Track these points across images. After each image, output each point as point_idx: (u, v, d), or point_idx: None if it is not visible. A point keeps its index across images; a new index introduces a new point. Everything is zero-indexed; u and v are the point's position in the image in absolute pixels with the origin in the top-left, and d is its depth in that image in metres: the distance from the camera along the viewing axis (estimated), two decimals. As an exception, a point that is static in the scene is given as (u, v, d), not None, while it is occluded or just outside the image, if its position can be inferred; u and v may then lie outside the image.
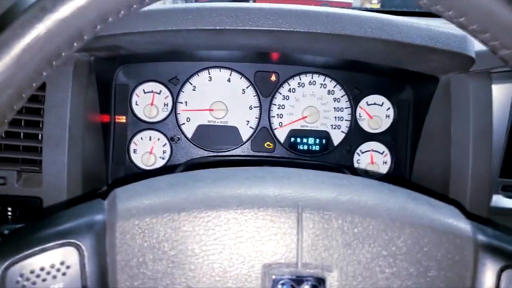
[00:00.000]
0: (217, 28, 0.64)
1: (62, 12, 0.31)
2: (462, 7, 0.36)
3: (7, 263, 0.33)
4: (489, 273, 0.37)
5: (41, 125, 0.72)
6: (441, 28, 0.69)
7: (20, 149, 0.73)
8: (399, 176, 0.97)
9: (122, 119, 0.94)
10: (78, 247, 0.35)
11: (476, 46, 0.70)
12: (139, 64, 0.92)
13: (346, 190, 0.40)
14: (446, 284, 0.37)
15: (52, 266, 0.34)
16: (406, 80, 0.96)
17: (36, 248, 0.34)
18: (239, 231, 0.36)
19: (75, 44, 0.34)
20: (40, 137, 0.72)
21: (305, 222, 0.37)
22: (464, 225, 0.39)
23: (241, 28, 0.64)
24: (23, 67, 0.32)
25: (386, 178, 0.98)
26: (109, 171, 0.93)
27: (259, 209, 0.37)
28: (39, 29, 0.31)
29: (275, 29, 0.65)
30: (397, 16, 0.72)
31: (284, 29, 0.65)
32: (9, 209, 0.73)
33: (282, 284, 0.36)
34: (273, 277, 0.36)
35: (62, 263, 0.34)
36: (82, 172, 0.76)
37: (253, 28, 0.65)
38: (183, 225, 0.36)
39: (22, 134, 0.73)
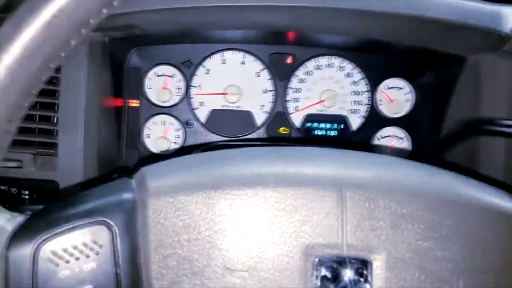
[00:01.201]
0: (237, 4, 0.61)
1: None
2: None
3: (39, 241, 0.31)
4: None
5: (56, 108, 0.70)
6: (473, 3, 0.66)
7: (35, 132, 0.71)
8: (419, 162, 0.95)
9: (135, 103, 0.91)
10: (109, 226, 0.33)
11: (511, 22, 0.66)
12: (152, 47, 0.90)
13: (388, 169, 0.38)
14: (499, 266, 0.35)
15: (85, 245, 0.32)
16: (429, 62, 0.92)
17: (68, 226, 0.32)
18: (278, 210, 0.34)
19: (104, 10, 0.32)
20: (55, 120, 0.70)
21: (349, 201, 0.34)
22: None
23: (262, 4, 0.61)
24: (52, 35, 0.30)
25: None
26: (123, 156, 0.91)
27: (299, 187, 0.35)
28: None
29: (296, 4, 0.62)
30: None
31: (306, 4, 0.62)
32: (26, 192, 0.72)
33: (325, 267, 0.34)
34: (316, 259, 0.34)
35: (94, 242, 0.32)
36: (97, 156, 0.74)
37: (275, 4, 0.62)
38: (220, 203, 0.34)
39: (37, 116, 0.70)
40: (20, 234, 0.31)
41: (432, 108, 0.94)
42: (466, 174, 0.42)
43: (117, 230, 0.33)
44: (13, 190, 0.70)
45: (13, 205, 0.68)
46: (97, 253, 0.31)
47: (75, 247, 0.31)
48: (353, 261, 0.34)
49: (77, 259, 0.31)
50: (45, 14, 0.30)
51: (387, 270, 0.33)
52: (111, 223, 0.33)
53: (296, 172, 0.36)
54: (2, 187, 0.70)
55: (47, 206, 0.35)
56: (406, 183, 0.36)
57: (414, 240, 0.34)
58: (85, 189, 0.69)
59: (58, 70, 0.69)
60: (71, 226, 0.32)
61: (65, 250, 0.31)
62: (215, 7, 0.63)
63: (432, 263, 0.34)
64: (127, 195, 0.36)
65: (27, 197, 0.70)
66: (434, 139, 0.92)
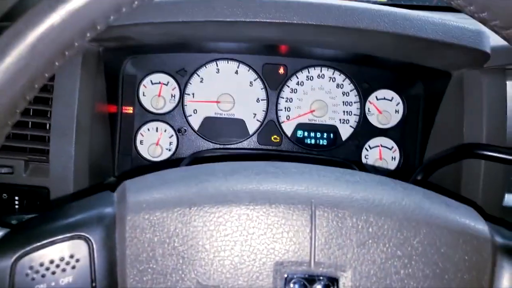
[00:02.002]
0: (228, 20, 0.63)
1: (77, 2, 0.31)
2: (484, 2, 0.35)
3: (16, 255, 0.32)
4: (507, 275, 0.36)
5: (49, 115, 0.71)
6: (455, 22, 0.67)
7: (28, 138, 0.73)
8: (408, 172, 0.96)
9: (129, 110, 0.93)
10: (87, 240, 0.34)
11: (492, 41, 0.68)
12: (147, 55, 0.92)
13: (360, 187, 0.40)
14: (463, 287, 0.36)
15: (62, 259, 0.33)
16: (417, 75, 0.94)
17: (46, 241, 0.34)
18: (250, 228, 0.36)
19: (88, 34, 0.33)
20: (48, 127, 0.72)
21: (319, 219, 0.36)
22: (481, 226, 0.39)
23: (252, 20, 0.63)
24: (37, 57, 0.31)
25: (395, 174, 0.97)
26: (116, 162, 0.92)
27: (271, 206, 0.36)
28: (54, 18, 0.31)
29: (286, 21, 0.64)
30: (410, 10, 0.71)
31: (295, 21, 0.64)
32: (16, 198, 0.73)
33: (294, 283, 0.35)
34: (285, 275, 0.35)
35: (71, 256, 0.34)
36: (89, 162, 0.75)
37: (264, 20, 0.64)
38: (194, 220, 0.36)
39: (30, 123, 0.72)
40: (-1, 248, 0.33)
41: (421, 120, 0.95)
42: (442, 192, 0.44)
43: (95, 244, 0.34)
44: (4, 195, 0.72)
45: (3, 211, 0.70)
46: (73, 267, 0.33)
47: (51, 261, 0.32)
48: (321, 278, 0.35)
49: (53, 273, 0.32)
50: (30, 39, 0.31)
51: (353, 287, 0.35)
52: (89, 237, 0.34)
53: (271, 190, 0.38)
54: (-7, 193, 0.72)
55: (28, 220, 0.37)
56: (376, 202, 0.38)
57: (380, 259, 0.35)
58: (76, 196, 0.71)
59: (51, 78, 0.71)
60: (49, 240, 0.33)
61: (42, 264, 0.32)
62: (206, 22, 0.65)
63: (398, 281, 0.35)
64: (107, 210, 0.37)
65: (17, 203, 0.72)
66: (422, 150, 0.94)
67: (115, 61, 0.87)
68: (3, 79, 0.31)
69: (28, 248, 0.33)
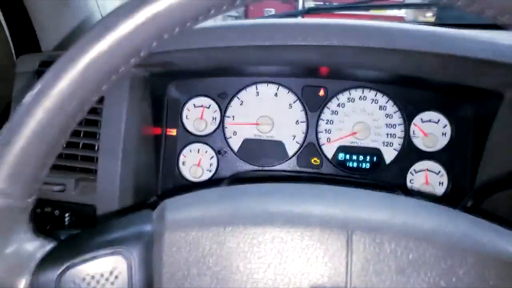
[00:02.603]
0: (267, 44, 0.64)
1: (122, 30, 0.33)
2: (501, 3, 0.32)
3: (62, 268, 0.34)
4: None
5: (97, 137, 0.76)
6: (506, 40, 0.64)
7: (78, 158, 0.77)
8: (457, 198, 0.91)
9: (173, 132, 0.96)
10: (126, 257, 0.36)
11: (546, 59, 0.64)
12: (190, 80, 0.95)
13: (400, 212, 0.38)
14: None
15: (102, 275, 0.34)
16: (466, 95, 0.90)
17: (88, 256, 0.35)
18: (285, 250, 0.35)
19: (132, 60, 0.35)
20: (96, 148, 0.76)
21: (355, 244, 0.35)
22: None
23: (291, 43, 0.64)
24: (86, 82, 0.34)
25: (443, 200, 0.93)
26: (159, 182, 0.95)
27: (306, 228, 0.36)
28: (102, 46, 0.33)
29: (325, 44, 0.64)
30: (455, 29, 0.69)
31: (334, 43, 0.64)
32: (67, 214, 0.77)
33: (329, 309, 0.34)
34: (320, 300, 0.34)
35: (111, 272, 0.35)
36: (133, 182, 0.78)
37: (303, 43, 0.64)
38: (228, 241, 0.36)
39: (80, 144, 0.77)
40: (45, 262, 0.34)
41: (471, 143, 0.91)
42: (494, 218, 0.41)
43: (133, 261, 0.35)
44: (56, 212, 0.76)
45: (55, 226, 0.74)
46: (112, 283, 0.34)
47: (92, 277, 0.34)
48: (357, 305, 0.34)
49: (94, 288, 0.33)
50: (80, 64, 0.33)
51: (391, 316, 0.33)
52: (128, 253, 0.35)
53: (306, 212, 0.37)
54: (47, 209, 0.76)
55: (73, 235, 0.39)
56: (417, 227, 0.36)
57: (420, 287, 0.33)
58: (119, 214, 0.73)
59: (100, 101, 0.75)
60: (91, 255, 0.35)
61: (84, 279, 0.33)
62: (245, 47, 0.66)
63: (440, 312, 0.33)
64: (146, 227, 0.38)
65: (67, 219, 0.76)
66: (472, 174, 0.89)
67: (160, 85, 0.91)
68: (56, 102, 0.33)
69: (72, 262, 0.34)
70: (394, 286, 0.34)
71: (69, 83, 0.33)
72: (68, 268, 0.34)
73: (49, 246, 0.36)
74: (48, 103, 0.33)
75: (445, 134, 0.93)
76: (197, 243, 0.36)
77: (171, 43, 0.68)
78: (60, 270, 0.34)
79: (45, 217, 0.76)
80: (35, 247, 0.35)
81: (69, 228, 0.74)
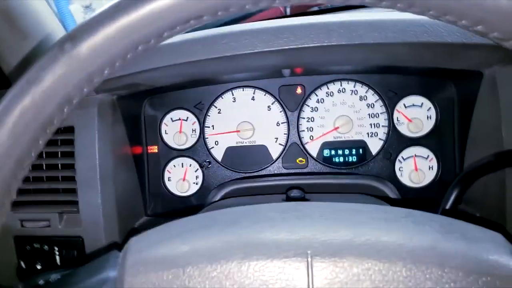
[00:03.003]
0: (227, 55, 0.63)
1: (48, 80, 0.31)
2: (476, 15, 0.31)
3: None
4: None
5: (75, 168, 0.75)
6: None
7: (60, 191, 0.76)
8: (449, 181, 0.90)
9: (154, 149, 0.95)
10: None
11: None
12: (163, 94, 0.93)
13: (363, 230, 0.37)
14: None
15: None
16: (447, 77, 0.88)
17: None
18: (246, 285, 0.34)
19: (84, 89, 0.33)
20: (75, 179, 0.75)
21: (316, 271, 0.34)
22: (508, 261, 0.34)
23: (251, 51, 0.62)
24: (18, 139, 0.32)
25: (435, 185, 0.91)
26: (147, 201, 0.94)
27: (265, 260, 0.34)
28: (27, 100, 0.31)
29: (286, 47, 0.62)
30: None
31: (296, 46, 0.62)
32: (56, 248, 0.76)
33: None
34: (286, 334, 0.33)
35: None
36: (117, 208, 0.77)
37: (264, 50, 0.63)
38: (188, 282, 0.35)
39: (60, 177, 0.76)
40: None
41: (457, 124, 0.89)
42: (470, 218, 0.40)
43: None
44: (45, 247, 0.75)
45: (46, 262, 0.74)
46: None
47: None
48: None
49: None
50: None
51: None
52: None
53: (264, 242, 0.36)
54: (35, 245, 0.76)
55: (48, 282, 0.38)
56: (379, 246, 0.35)
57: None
58: (107, 248, 0.73)
59: (72, 131, 0.74)
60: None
61: None
62: (207, 60, 0.65)
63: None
64: (111, 273, 0.37)
65: (57, 253, 0.75)
66: (461, 156, 0.87)
67: (132, 105, 0.89)
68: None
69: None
70: (360, 312, 0.32)
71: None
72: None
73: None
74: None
75: (430, 117, 0.91)
76: (159, 286, 0.35)
77: (132, 65, 0.66)
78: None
79: (35, 254, 0.76)
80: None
81: (62, 264, 0.73)
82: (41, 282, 0.53)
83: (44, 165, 0.77)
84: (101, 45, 0.32)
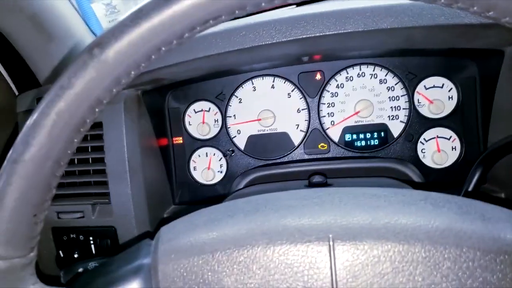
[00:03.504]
0: (246, 46, 0.64)
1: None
2: (487, 1, 0.32)
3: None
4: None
5: (105, 161, 0.78)
6: None
7: (91, 184, 0.80)
8: (473, 161, 0.89)
9: (179, 140, 0.98)
10: (128, 294, 0.38)
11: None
12: (186, 87, 0.96)
13: (382, 213, 0.38)
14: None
15: (105, 318, 0.37)
16: (467, 56, 0.87)
17: None
18: (271, 269, 0.36)
19: (114, 90, 0.35)
20: (106, 172, 0.78)
21: (338, 254, 0.35)
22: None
23: (269, 42, 0.63)
24: (56, 141, 0.35)
25: (458, 166, 0.91)
26: (174, 190, 0.98)
27: (289, 245, 0.36)
28: (61, 104, 0.34)
29: (303, 37, 0.63)
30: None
31: (312, 35, 0.63)
32: (91, 238, 0.81)
33: (321, 321, 0.35)
34: (311, 314, 0.35)
35: (113, 314, 0.37)
36: (146, 198, 0.81)
37: (282, 40, 0.64)
38: (218, 266, 0.37)
39: (91, 170, 0.80)
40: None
41: (479, 104, 0.88)
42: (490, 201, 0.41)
43: (134, 298, 0.38)
44: (80, 237, 0.80)
45: (83, 251, 0.78)
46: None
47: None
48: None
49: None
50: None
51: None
52: (129, 291, 0.38)
53: (287, 228, 0.38)
54: (72, 235, 0.80)
55: (77, 280, 0.41)
56: (397, 228, 0.36)
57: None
58: (139, 235, 0.76)
59: (101, 126, 0.78)
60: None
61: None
62: (227, 53, 0.66)
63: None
64: (144, 260, 0.40)
65: (92, 242, 0.80)
66: (484, 135, 0.86)
67: (157, 99, 0.92)
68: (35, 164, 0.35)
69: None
70: (381, 291, 0.34)
71: (40, 147, 0.34)
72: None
73: (52, 293, 0.39)
74: (24, 169, 0.35)
75: (452, 97, 0.90)
76: (190, 272, 0.37)
77: (153, 62, 0.68)
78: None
79: (72, 244, 0.81)
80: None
81: (84, 261, 0.78)
82: (80, 269, 0.58)
83: (76, 160, 0.81)
84: (127, 50, 0.34)
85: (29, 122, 0.35)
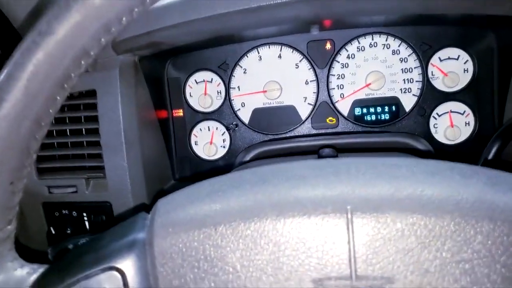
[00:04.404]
0: (253, 6, 0.59)
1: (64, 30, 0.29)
2: None
3: (54, 291, 0.33)
4: None
5: (99, 132, 0.74)
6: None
7: (85, 157, 0.76)
8: (487, 138, 0.85)
9: (180, 112, 0.94)
10: (120, 271, 0.34)
11: None
12: (186, 54, 0.91)
13: (405, 183, 0.34)
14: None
15: (97, 293, 0.33)
16: (485, 25, 0.81)
17: (81, 275, 0.34)
18: (281, 244, 0.33)
19: (102, 39, 0.31)
20: (100, 144, 0.74)
21: (357, 227, 0.32)
22: None
23: (277, 2, 0.58)
24: (34, 97, 0.31)
25: (471, 142, 0.86)
26: (175, 165, 0.94)
27: (301, 217, 0.33)
28: (40, 53, 0.30)
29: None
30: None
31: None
32: (84, 214, 0.77)
33: (336, 300, 0.31)
34: (325, 292, 0.32)
35: (106, 289, 0.34)
36: (144, 172, 0.77)
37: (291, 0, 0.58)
38: (221, 241, 0.33)
39: (85, 142, 0.76)
40: (38, 287, 0.34)
41: (496, 77, 0.83)
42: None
43: (127, 274, 0.34)
44: (74, 213, 0.76)
45: (76, 227, 0.75)
46: (108, 300, 0.33)
47: (88, 296, 0.33)
48: (366, 292, 0.31)
49: (89, 308, 0.32)
50: (22, 79, 0.30)
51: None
52: (121, 267, 0.34)
53: (299, 199, 0.34)
54: (64, 211, 0.77)
55: (67, 255, 0.38)
56: (423, 200, 0.32)
57: (434, 266, 0.30)
58: (136, 210, 0.73)
59: (94, 95, 0.73)
60: (83, 275, 0.33)
61: (79, 300, 0.32)
62: (230, 13, 0.61)
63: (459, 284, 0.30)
64: (139, 235, 0.36)
65: (86, 218, 0.76)
66: (500, 111, 0.82)
67: (155, 66, 0.87)
68: (10, 126, 0.31)
69: (63, 285, 0.33)
70: (403, 268, 0.31)
71: (15, 103, 0.30)
72: (62, 290, 0.33)
73: (39, 270, 0.35)
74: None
75: (467, 70, 0.85)
76: (190, 248, 0.34)
77: (151, 22, 0.63)
78: (53, 294, 0.33)
79: (64, 220, 0.77)
80: (24, 274, 0.35)
81: (91, 229, 0.74)
82: (70, 246, 0.54)
83: (68, 131, 0.76)
84: None
85: (1, 74, 0.30)
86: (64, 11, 0.29)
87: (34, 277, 0.34)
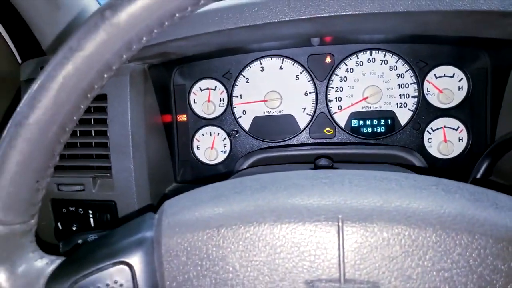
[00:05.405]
0: (257, 23, 0.62)
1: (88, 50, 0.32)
2: None
3: (69, 282, 0.36)
4: None
5: (108, 134, 0.77)
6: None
7: (93, 157, 0.80)
8: (479, 153, 0.88)
9: (183, 117, 0.97)
10: (129, 266, 0.37)
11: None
12: (193, 63, 0.94)
13: (393, 196, 0.37)
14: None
15: (107, 285, 0.36)
16: (480, 46, 0.85)
17: (93, 268, 0.37)
18: (278, 247, 0.36)
19: (124, 56, 0.34)
20: (108, 145, 0.77)
21: (347, 235, 0.35)
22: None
23: (282, 20, 0.62)
24: (62, 105, 0.34)
25: (464, 157, 0.90)
26: (177, 168, 0.97)
27: (297, 223, 0.36)
28: (70, 67, 0.33)
29: (317, 16, 0.61)
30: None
31: (327, 14, 0.61)
32: (90, 212, 0.81)
33: (326, 301, 0.35)
34: (316, 293, 0.35)
35: (115, 282, 0.37)
36: (148, 173, 0.80)
37: (295, 18, 0.62)
38: (223, 242, 0.36)
39: (93, 143, 0.79)
40: (54, 278, 0.37)
41: (489, 96, 0.86)
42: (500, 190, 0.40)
43: (136, 269, 0.37)
44: (80, 210, 0.80)
45: (81, 224, 0.78)
46: (117, 292, 0.36)
47: (99, 288, 0.36)
48: (353, 294, 0.34)
49: (99, 300, 0.35)
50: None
51: (388, 304, 0.33)
52: (130, 262, 0.37)
53: (297, 206, 0.37)
54: (71, 208, 0.80)
55: (80, 248, 0.41)
56: (409, 212, 0.35)
57: (416, 273, 0.33)
58: (140, 209, 0.76)
59: (105, 99, 0.76)
60: (96, 268, 0.36)
61: (90, 292, 0.36)
62: (237, 29, 0.65)
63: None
64: (147, 233, 0.40)
65: (91, 216, 0.79)
66: (492, 128, 0.85)
67: (163, 74, 0.91)
68: (38, 129, 0.34)
69: (78, 277, 0.36)
70: (388, 274, 0.34)
71: (45, 111, 0.33)
72: (75, 282, 0.36)
73: (57, 261, 0.38)
74: (28, 132, 0.34)
75: (461, 88, 0.89)
76: (194, 247, 0.37)
77: (163, 34, 0.67)
78: (68, 285, 0.36)
79: (71, 216, 0.80)
80: (43, 264, 0.38)
81: (84, 232, 0.77)
82: (79, 241, 0.57)
83: (78, 132, 0.80)
84: (140, 13, 0.32)
85: (35, 84, 0.34)
86: (93, 30, 0.32)
87: (52, 268, 0.37)
